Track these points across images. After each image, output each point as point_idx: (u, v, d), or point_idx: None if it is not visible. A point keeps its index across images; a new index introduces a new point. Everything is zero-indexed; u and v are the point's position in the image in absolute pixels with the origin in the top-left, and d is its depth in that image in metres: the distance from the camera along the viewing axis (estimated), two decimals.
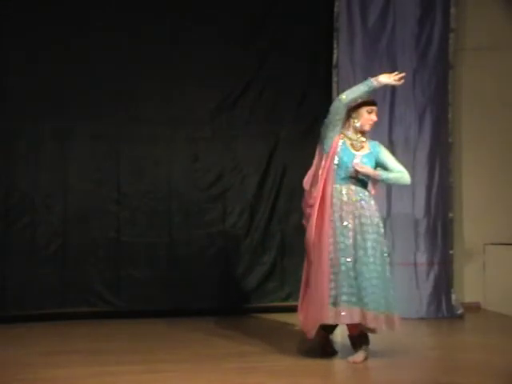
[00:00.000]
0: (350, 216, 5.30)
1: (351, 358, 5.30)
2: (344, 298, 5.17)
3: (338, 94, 6.97)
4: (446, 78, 7.37)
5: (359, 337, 5.33)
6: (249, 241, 7.40)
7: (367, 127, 5.42)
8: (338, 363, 5.40)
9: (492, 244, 7.57)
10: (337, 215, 5.28)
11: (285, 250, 7.43)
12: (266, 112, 7.47)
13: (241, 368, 5.14)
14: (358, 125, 5.38)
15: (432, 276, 7.20)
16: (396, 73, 5.41)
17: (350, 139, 5.40)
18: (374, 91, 5.42)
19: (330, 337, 5.59)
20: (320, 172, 5.35)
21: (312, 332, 5.26)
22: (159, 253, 7.20)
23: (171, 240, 7.22)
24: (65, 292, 7.00)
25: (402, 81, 5.40)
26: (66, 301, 6.99)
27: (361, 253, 5.25)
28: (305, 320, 5.34)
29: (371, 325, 5.20)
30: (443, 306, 7.16)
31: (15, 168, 6.98)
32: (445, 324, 6.95)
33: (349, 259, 5.22)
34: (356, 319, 5.18)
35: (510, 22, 7.65)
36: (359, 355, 5.29)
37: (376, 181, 5.46)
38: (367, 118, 5.39)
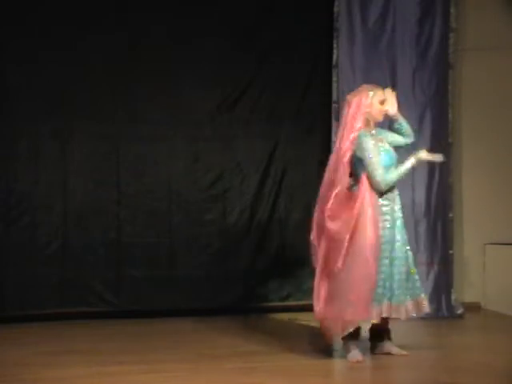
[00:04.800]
0: (389, 212, 5.36)
1: (385, 350, 5.41)
2: (377, 296, 5.21)
3: (338, 94, 7.02)
4: (446, 78, 7.37)
5: (384, 330, 5.41)
6: (249, 241, 7.40)
7: (380, 118, 5.45)
8: (338, 363, 5.40)
9: (492, 244, 7.57)
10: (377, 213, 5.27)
11: (285, 250, 7.43)
12: (266, 112, 7.47)
13: (241, 368, 5.13)
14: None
15: (432, 276, 7.19)
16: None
17: (372, 137, 5.35)
18: None
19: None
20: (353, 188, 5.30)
21: (341, 333, 5.23)
22: (159, 253, 7.19)
23: (171, 240, 7.22)
24: (65, 292, 6.99)
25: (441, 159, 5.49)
26: (66, 301, 6.98)
27: (395, 246, 5.33)
28: (330, 322, 5.26)
29: (395, 315, 5.29)
30: (443, 305, 7.15)
31: (15, 168, 6.98)
32: (445, 324, 6.94)
33: (386, 258, 5.28)
34: (385, 313, 5.26)
35: (510, 22, 7.64)
36: (393, 348, 5.43)
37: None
38: (379, 108, 5.38)
